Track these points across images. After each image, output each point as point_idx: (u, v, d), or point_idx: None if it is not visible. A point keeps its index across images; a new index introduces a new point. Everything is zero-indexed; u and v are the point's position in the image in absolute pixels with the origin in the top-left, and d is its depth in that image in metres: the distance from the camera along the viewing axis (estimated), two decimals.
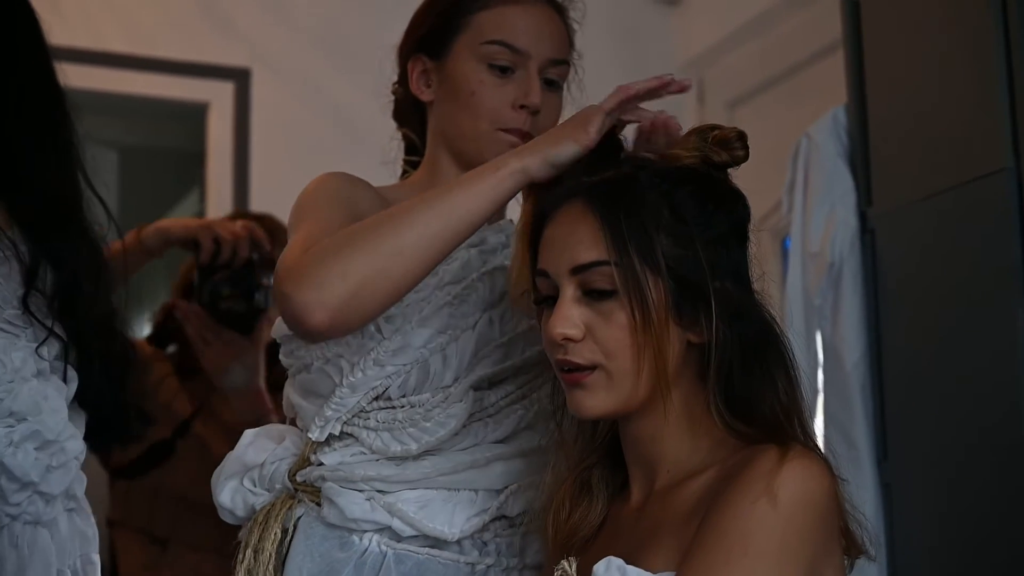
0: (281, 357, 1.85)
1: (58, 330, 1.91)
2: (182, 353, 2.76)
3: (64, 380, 1.93)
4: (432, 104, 1.88)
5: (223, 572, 2.72)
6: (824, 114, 2.94)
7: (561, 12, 1.89)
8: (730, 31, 3.89)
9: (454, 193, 1.56)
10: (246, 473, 1.82)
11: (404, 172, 1.98)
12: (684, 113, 4.08)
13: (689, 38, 4.10)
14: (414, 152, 1.96)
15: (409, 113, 1.94)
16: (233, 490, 1.82)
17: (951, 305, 2.60)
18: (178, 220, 2.61)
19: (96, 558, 1.99)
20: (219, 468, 1.85)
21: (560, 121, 1.86)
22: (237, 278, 2.51)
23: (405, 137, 1.98)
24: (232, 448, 2.71)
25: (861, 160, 2.85)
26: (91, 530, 1.98)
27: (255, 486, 1.80)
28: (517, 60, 1.81)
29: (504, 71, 1.81)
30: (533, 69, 1.81)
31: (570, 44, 1.90)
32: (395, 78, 1.95)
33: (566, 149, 1.55)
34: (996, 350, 2.47)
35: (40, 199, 1.94)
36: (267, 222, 2.74)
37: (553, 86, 1.85)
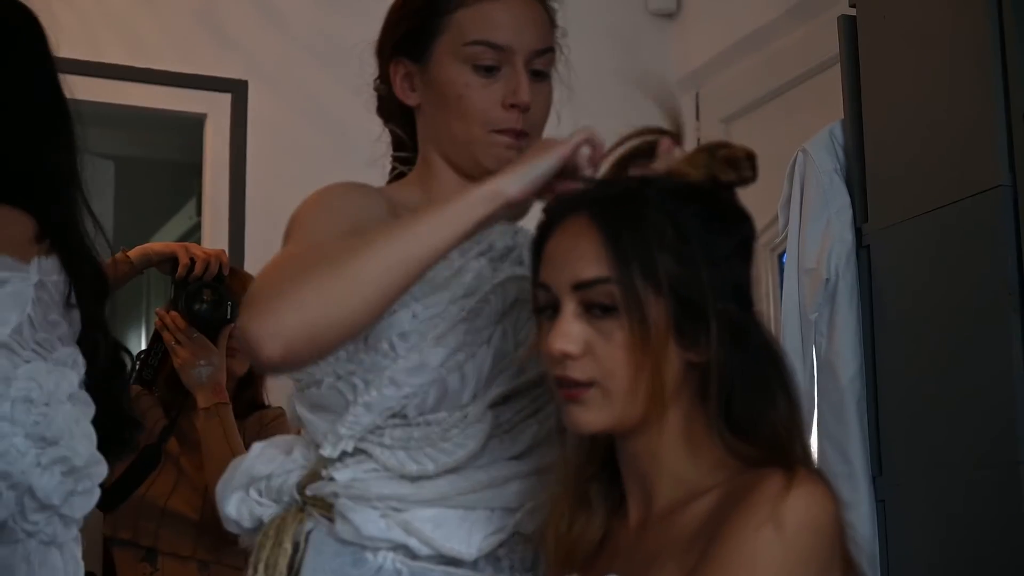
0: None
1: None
2: (163, 392, 3.05)
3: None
4: (419, 107, 1.84)
5: None
6: (820, 129, 2.95)
7: None
8: (728, 46, 3.89)
9: (421, 222, 1.49)
10: (254, 484, 1.79)
11: (393, 168, 1.94)
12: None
13: (687, 52, 4.10)
14: (401, 148, 1.92)
15: (394, 110, 1.88)
16: (239, 500, 1.78)
17: (947, 320, 2.60)
18: (158, 243, 3.06)
19: None
20: (225, 478, 1.82)
21: (551, 105, 1.83)
22: (209, 287, 2.92)
23: (392, 133, 1.92)
24: (200, 460, 2.85)
25: (857, 176, 2.86)
26: (80, 555, 2.02)
27: (261, 497, 1.78)
28: (502, 57, 1.76)
29: (490, 71, 1.75)
30: (519, 64, 1.76)
31: (553, 25, 1.84)
32: (376, 74, 1.91)
33: (541, 163, 1.50)
34: (992, 365, 2.47)
35: (62, 216, 1.97)
36: (250, 279, 3.04)
37: (541, 76, 1.79)
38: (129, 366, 2.12)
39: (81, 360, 1.98)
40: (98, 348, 2.01)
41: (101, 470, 1.96)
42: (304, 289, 1.45)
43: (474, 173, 1.78)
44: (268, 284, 1.49)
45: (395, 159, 1.93)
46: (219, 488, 1.80)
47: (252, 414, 3.06)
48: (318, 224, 1.65)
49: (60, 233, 1.97)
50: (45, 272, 1.93)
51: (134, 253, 2.91)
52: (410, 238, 1.47)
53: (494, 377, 1.69)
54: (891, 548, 2.70)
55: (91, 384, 2.00)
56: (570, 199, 1.49)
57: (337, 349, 1.55)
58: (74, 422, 1.90)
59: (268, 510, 1.76)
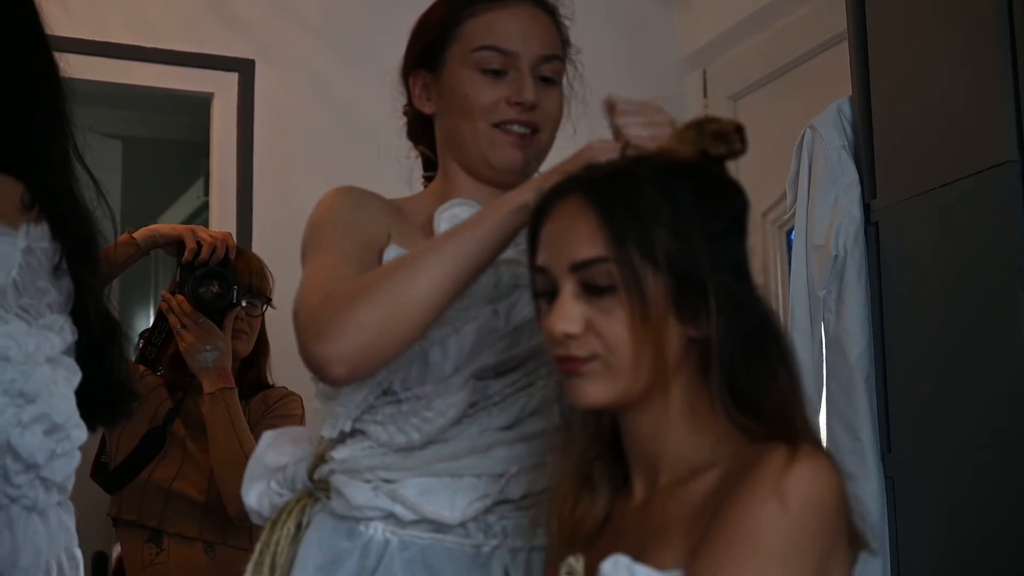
0: None
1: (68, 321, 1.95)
2: (168, 372, 3.08)
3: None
4: (436, 116, 1.91)
5: (210, 559, 2.91)
6: (828, 106, 2.94)
7: (549, 11, 1.90)
8: (734, 23, 3.88)
9: (461, 238, 1.61)
10: (272, 476, 1.84)
11: (425, 188, 2.00)
12: (687, 106, 4.08)
13: (693, 31, 4.10)
14: (431, 168, 1.97)
15: (420, 130, 1.97)
16: (260, 493, 1.85)
17: (955, 297, 2.60)
18: (166, 224, 3.06)
19: (78, 552, 2.02)
20: (245, 473, 1.87)
21: (560, 112, 1.88)
22: (216, 273, 2.92)
23: (422, 154, 2.00)
24: (205, 442, 2.89)
25: (865, 152, 2.85)
26: (73, 525, 2.01)
27: (281, 488, 1.83)
28: (508, 62, 1.83)
29: (496, 74, 1.83)
30: (524, 67, 1.83)
31: (563, 41, 1.91)
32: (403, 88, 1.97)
33: None
34: (1000, 342, 2.47)
35: (51, 179, 1.97)
36: (255, 260, 3.14)
37: (549, 82, 1.86)
38: (118, 335, 2.10)
39: (70, 328, 1.98)
40: (87, 313, 2.01)
41: (80, 434, 1.95)
42: (362, 313, 1.59)
43: (486, 174, 1.86)
44: (323, 308, 1.61)
45: (426, 178, 2.01)
46: (243, 482, 1.86)
47: (257, 394, 3.07)
48: (340, 239, 1.74)
49: (50, 200, 1.97)
50: (34, 239, 1.94)
51: (140, 235, 2.92)
52: (454, 256, 1.60)
53: (479, 351, 1.73)
54: (900, 525, 2.71)
55: (81, 350, 2.00)
56: (563, 183, 1.50)
57: (398, 356, 1.66)
58: (52, 382, 1.90)
59: (285, 499, 1.82)
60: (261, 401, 3.04)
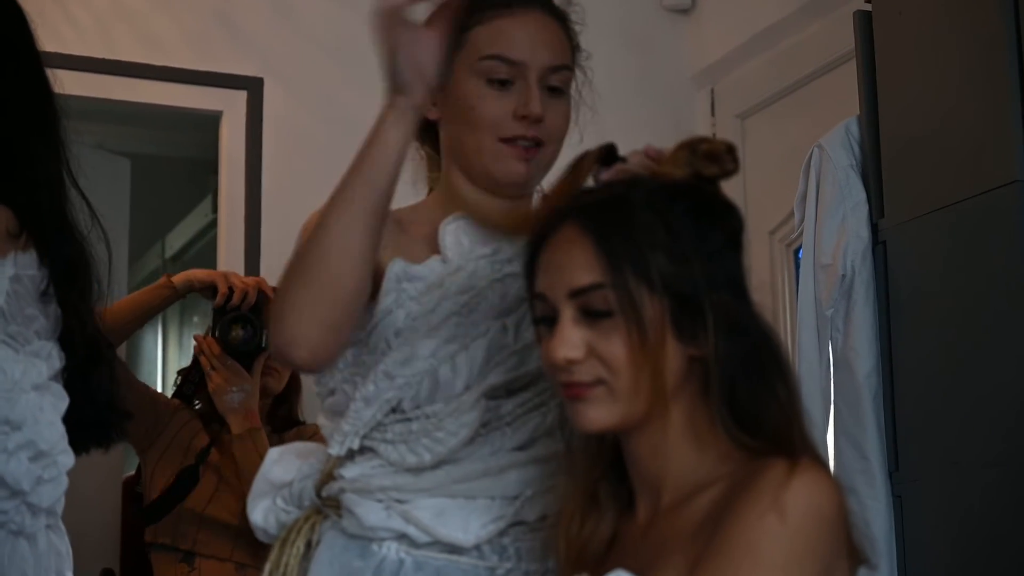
0: (315, 386, 1.87)
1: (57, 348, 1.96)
2: (204, 405, 3.18)
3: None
4: (440, 122, 1.88)
5: None
6: (836, 125, 2.94)
7: (560, 17, 1.87)
8: (743, 41, 3.89)
9: (353, 186, 1.61)
10: (278, 492, 1.83)
11: (430, 190, 1.98)
12: (695, 123, 4.08)
13: (702, 48, 4.10)
14: (437, 168, 1.95)
15: (425, 131, 1.93)
16: (266, 510, 1.84)
17: (963, 316, 2.60)
18: (201, 270, 3.15)
19: (69, 574, 2.03)
20: (251, 489, 1.87)
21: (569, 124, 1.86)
22: (245, 318, 3.03)
23: (428, 156, 1.97)
24: (239, 472, 2.92)
25: (873, 171, 2.85)
26: (65, 548, 2.03)
27: (287, 504, 1.82)
28: (515, 72, 1.79)
29: (503, 84, 1.79)
30: (532, 78, 1.79)
31: (573, 47, 1.88)
32: None
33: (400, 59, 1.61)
34: (1008, 361, 2.47)
35: (38, 201, 1.98)
36: None
37: (557, 92, 1.82)
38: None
39: (58, 354, 1.99)
40: (73, 336, 2.02)
41: (67, 459, 1.98)
42: (294, 294, 1.61)
43: (487, 185, 1.82)
44: (272, 304, 1.65)
45: (431, 179, 1.98)
46: (248, 499, 1.86)
47: (291, 429, 3.18)
48: None
49: (37, 225, 1.97)
50: (22, 267, 1.95)
51: (178, 279, 3.02)
52: (355, 208, 1.61)
53: (490, 368, 1.73)
54: (907, 543, 2.70)
55: (68, 372, 2.01)
56: (559, 209, 1.50)
57: (353, 325, 1.66)
58: (38, 409, 1.92)
59: (292, 516, 1.81)
60: (296, 436, 3.12)
